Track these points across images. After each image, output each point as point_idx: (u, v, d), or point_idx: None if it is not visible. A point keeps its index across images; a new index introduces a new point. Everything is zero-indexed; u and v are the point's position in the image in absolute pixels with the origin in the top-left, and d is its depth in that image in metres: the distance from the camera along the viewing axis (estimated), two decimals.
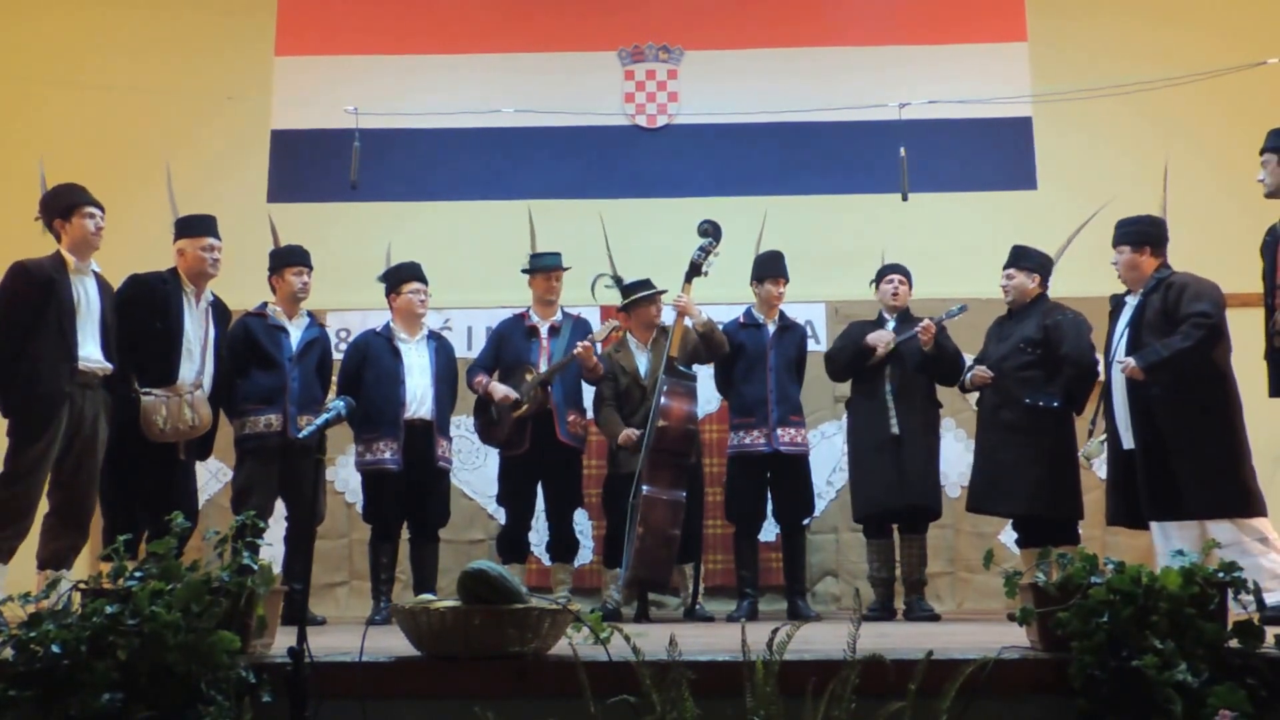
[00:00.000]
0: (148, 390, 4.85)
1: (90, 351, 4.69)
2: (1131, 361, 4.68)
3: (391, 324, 5.73)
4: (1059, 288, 5.76)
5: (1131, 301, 4.95)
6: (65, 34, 7.33)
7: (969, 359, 5.87)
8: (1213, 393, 4.66)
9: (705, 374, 6.08)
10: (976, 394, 5.65)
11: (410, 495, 5.54)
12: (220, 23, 7.37)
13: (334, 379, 5.70)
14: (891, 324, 5.81)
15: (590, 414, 5.93)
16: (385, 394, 5.52)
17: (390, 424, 5.49)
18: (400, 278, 5.73)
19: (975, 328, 5.82)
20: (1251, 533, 4.52)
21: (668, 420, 5.42)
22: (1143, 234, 4.94)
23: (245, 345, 5.38)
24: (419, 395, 5.57)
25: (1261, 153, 4.57)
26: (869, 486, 5.66)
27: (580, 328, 5.90)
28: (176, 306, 4.99)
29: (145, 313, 4.93)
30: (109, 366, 4.76)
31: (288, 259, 5.56)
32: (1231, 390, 4.69)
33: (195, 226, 5.14)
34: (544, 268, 5.87)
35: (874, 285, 5.96)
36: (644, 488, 5.37)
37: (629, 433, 5.64)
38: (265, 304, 5.55)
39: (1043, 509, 5.26)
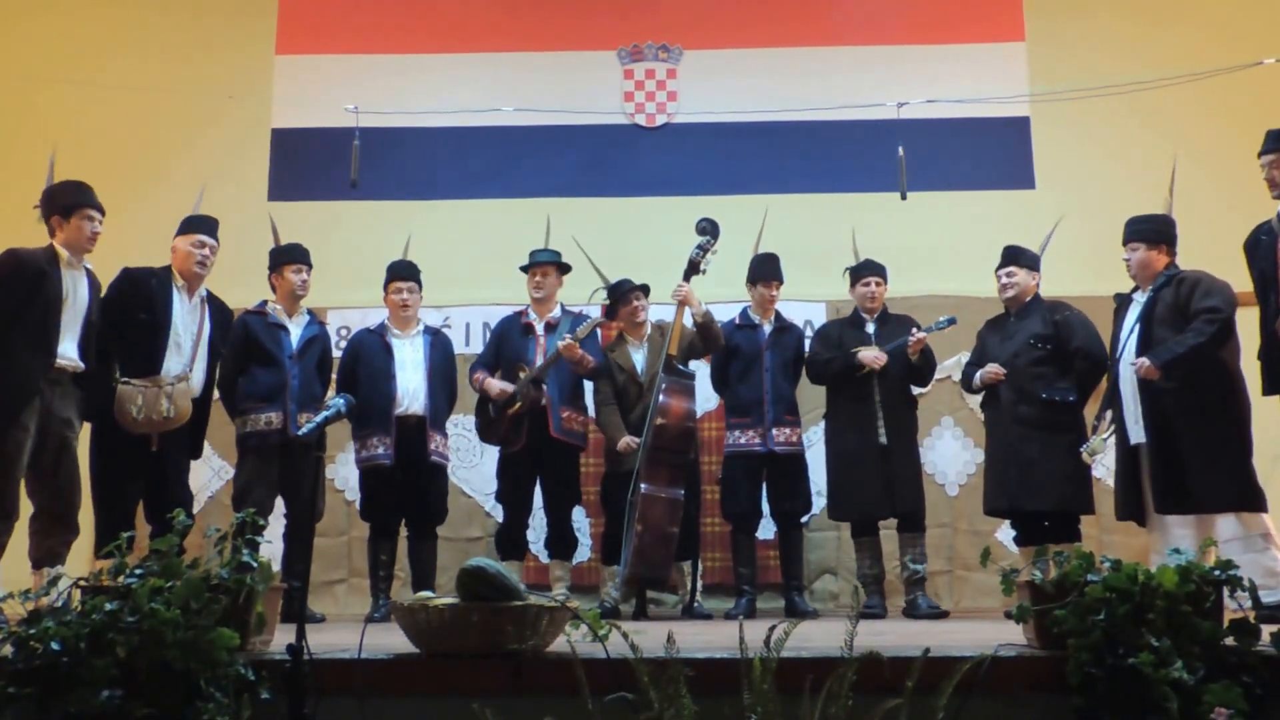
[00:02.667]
0: (127, 380, 4.85)
1: (67, 348, 4.68)
2: (1146, 361, 4.68)
3: (386, 321, 5.79)
4: (1055, 287, 5.77)
5: (1140, 298, 4.95)
6: (66, 33, 7.33)
7: (960, 359, 5.90)
8: (1222, 388, 4.68)
9: (703, 372, 6.10)
10: (979, 394, 5.64)
11: (406, 491, 5.57)
12: (221, 22, 7.37)
13: (334, 376, 5.73)
14: (870, 325, 5.82)
15: (589, 411, 5.94)
16: (377, 390, 5.56)
17: (382, 420, 5.52)
18: (388, 276, 5.80)
19: (970, 326, 5.83)
20: (1255, 528, 4.55)
21: (666, 418, 5.42)
22: (1158, 232, 4.96)
23: (245, 343, 5.40)
24: (411, 391, 5.59)
25: (1261, 155, 4.57)
26: (856, 495, 5.68)
27: (578, 323, 5.92)
28: (164, 299, 5.00)
29: (132, 304, 4.95)
30: (81, 365, 4.75)
31: (286, 257, 5.58)
32: (1240, 387, 4.72)
33: (189, 225, 5.17)
34: (532, 264, 5.91)
35: (849, 282, 5.97)
36: (642, 486, 5.38)
37: (628, 441, 5.66)
38: (265, 302, 5.57)
39: (1066, 503, 5.27)
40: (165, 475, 4.99)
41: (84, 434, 4.90)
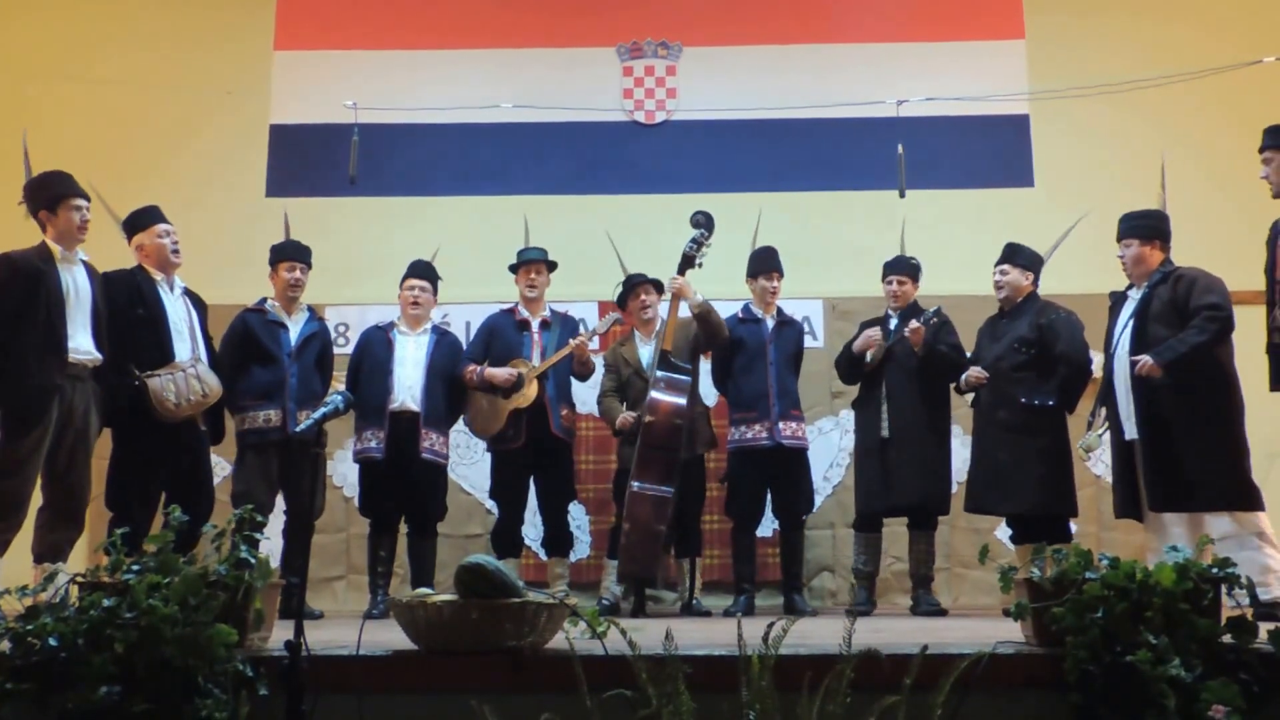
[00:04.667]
0: (150, 373, 4.79)
1: (81, 342, 4.67)
2: (1148, 359, 4.62)
3: (395, 318, 5.83)
4: (1052, 285, 5.76)
5: (1135, 295, 4.92)
6: (66, 28, 7.32)
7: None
8: (1217, 386, 4.65)
9: (703, 369, 6.10)
10: (972, 395, 5.65)
11: (402, 488, 5.58)
12: (220, 17, 7.36)
13: (333, 374, 5.76)
14: (894, 320, 5.82)
15: (580, 409, 5.95)
16: (375, 385, 5.59)
17: (376, 414, 5.55)
18: (406, 273, 5.83)
19: (969, 325, 5.82)
20: (1250, 527, 4.53)
21: (654, 415, 5.41)
22: (1152, 228, 4.92)
23: (244, 341, 5.40)
24: (407, 387, 5.61)
25: (1262, 150, 4.55)
26: (860, 487, 5.74)
27: (569, 324, 5.94)
28: (153, 292, 4.97)
29: (125, 302, 4.89)
30: (99, 357, 4.73)
31: (280, 254, 5.58)
32: (1235, 385, 4.69)
33: (144, 219, 5.10)
34: (523, 261, 5.92)
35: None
36: (633, 484, 5.38)
37: (626, 416, 5.67)
38: (264, 299, 5.57)
39: (1041, 507, 5.28)
40: (206, 464, 5.05)
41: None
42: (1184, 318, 4.69)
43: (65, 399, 4.60)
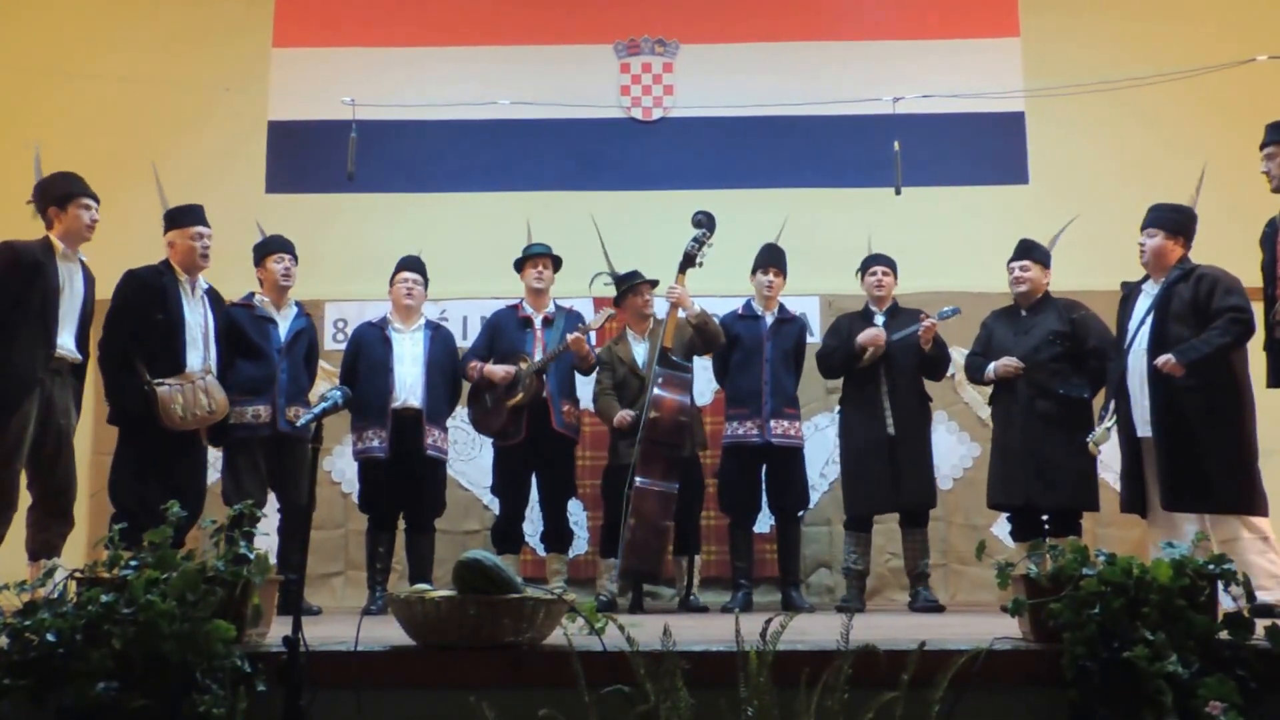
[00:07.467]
0: (160, 381, 4.82)
1: (65, 340, 4.70)
2: (1170, 358, 4.58)
3: (388, 314, 5.81)
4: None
5: (1150, 289, 4.88)
6: (63, 25, 7.30)
7: (960, 353, 5.88)
8: (1233, 388, 4.64)
9: (703, 365, 6.10)
10: (988, 386, 5.62)
11: (403, 485, 5.58)
12: (218, 14, 7.35)
13: (325, 367, 5.75)
14: (880, 317, 5.82)
15: (584, 404, 5.95)
16: (375, 383, 5.59)
17: (378, 413, 5.55)
18: (396, 268, 5.82)
19: (969, 321, 5.83)
20: (1255, 531, 4.53)
21: (659, 411, 5.43)
22: (1179, 222, 4.87)
23: (232, 336, 5.37)
24: (408, 385, 5.61)
25: (1264, 146, 4.54)
26: (865, 486, 5.67)
27: (573, 320, 5.93)
28: (175, 296, 4.98)
29: (146, 305, 4.92)
30: (79, 357, 4.77)
31: (268, 247, 5.57)
32: (1248, 387, 4.67)
33: (183, 217, 5.13)
34: (528, 255, 5.93)
35: (859, 276, 5.97)
36: (637, 480, 5.39)
37: (624, 414, 5.66)
38: (252, 294, 5.54)
39: (1081, 500, 5.30)
40: (202, 470, 5.11)
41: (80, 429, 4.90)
42: (1204, 318, 4.65)
43: (45, 392, 4.62)
